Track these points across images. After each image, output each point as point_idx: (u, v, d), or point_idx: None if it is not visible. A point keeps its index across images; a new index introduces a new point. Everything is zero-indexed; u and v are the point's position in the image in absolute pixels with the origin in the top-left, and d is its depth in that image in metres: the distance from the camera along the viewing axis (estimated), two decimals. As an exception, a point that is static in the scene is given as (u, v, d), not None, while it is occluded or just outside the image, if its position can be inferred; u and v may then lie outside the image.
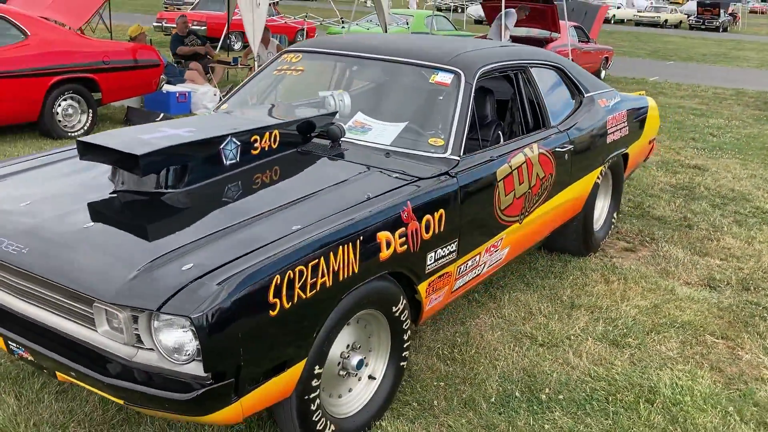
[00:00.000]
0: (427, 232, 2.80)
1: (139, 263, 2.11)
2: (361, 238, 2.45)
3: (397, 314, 2.75)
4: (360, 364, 2.65)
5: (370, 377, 2.81)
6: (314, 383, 2.41)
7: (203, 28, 17.07)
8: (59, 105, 7.36)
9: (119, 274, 2.08)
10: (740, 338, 3.72)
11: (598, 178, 4.47)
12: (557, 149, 3.86)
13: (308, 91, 3.88)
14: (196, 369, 2.01)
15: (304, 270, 2.22)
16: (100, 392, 2.16)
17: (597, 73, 16.25)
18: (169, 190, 2.64)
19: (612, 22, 43.24)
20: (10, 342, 2.33)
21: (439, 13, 18.81)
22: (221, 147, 2.78)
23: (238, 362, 2.05)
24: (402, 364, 2.88)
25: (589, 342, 3.58)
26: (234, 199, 2.67)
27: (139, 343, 2.10)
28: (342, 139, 3.26)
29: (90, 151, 2.64)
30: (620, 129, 4.65)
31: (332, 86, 3.88)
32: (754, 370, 3.43)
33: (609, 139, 4.48)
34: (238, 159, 2.85)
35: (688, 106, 12.55)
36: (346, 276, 2.39)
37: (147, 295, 2.00)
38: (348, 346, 2.65)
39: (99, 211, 2.49)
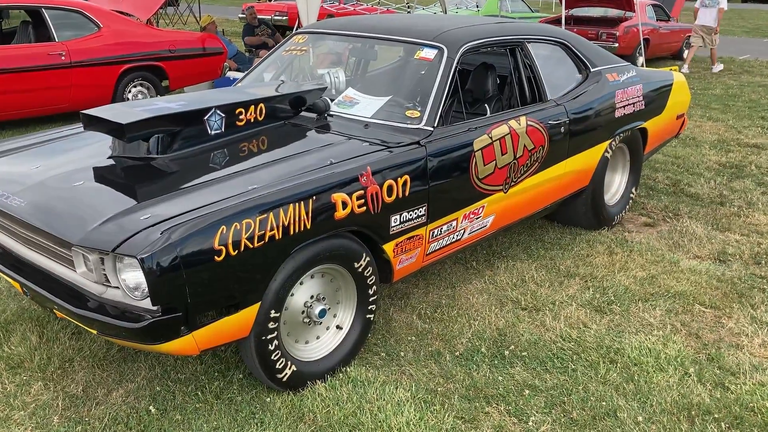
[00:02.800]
0: (389, 195, 3.03)
1: (109, 213, 2.49)
2: (314, 197, 2.72)
3: (360, 270, 3.02)
4: (322, 314, 2.93)
5: (338, 327, 3.09)
6: (271, 326, 2.72)
7: (284, 18, 17.68)
8: (129, 91, 8.01)
9: (89, 222, 2.46)
10: (730, 308, 3.74)
11: (606, 151, 4.52)
12: (550, 122, 3.98)
13: (311, 69, 4.17)
14: (148, 303, 2.35)
15: (252, 223, 2.52)
16: (79, 324, 2.55)
17: (680, 53, 15.71)
18: (158, 156, 3.01)
19: None
20: (22, 284, 2.77)
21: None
22: (206, 118, 3.12)
23: (186, 299, 2.38)
24: (369, 317, 3.14)
25: (572, 307, 3.70)
26: (213, 164, 3.01)
27: (108, 282, 2.47)
28: (331, 112, 3.54)
29: (92, 123, 3.04)
30: (633, 103, 4.68)
31: (332, 64, 4.16)
32: (734, 337, 3.46)
33: (618, 113, 4.52)
34: (223, 130, 3.19)
35: (770, 85, 11.97)
36: (296, 231, 2.67)
37: (106, 239, 2.37)
38: (312, 296, 2.94)
39: (92, 173, 2.88)
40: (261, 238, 2.56)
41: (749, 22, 27.27)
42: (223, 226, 2.45)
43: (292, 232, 2.66)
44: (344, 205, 2.84)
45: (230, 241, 2.46)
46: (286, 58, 4.22)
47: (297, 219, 2.66)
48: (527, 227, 4.79)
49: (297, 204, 2.67)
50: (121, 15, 8.31)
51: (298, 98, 3.52)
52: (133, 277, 2.38)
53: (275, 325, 2.74)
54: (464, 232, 3.60)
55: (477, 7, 15.03)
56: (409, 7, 15.22)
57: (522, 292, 3.87)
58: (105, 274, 2.45)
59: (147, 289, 2.32)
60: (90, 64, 7.50)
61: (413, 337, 3.38)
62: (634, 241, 4.64)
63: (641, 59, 12.83)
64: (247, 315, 2.62)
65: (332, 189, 2.81)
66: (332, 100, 3.61)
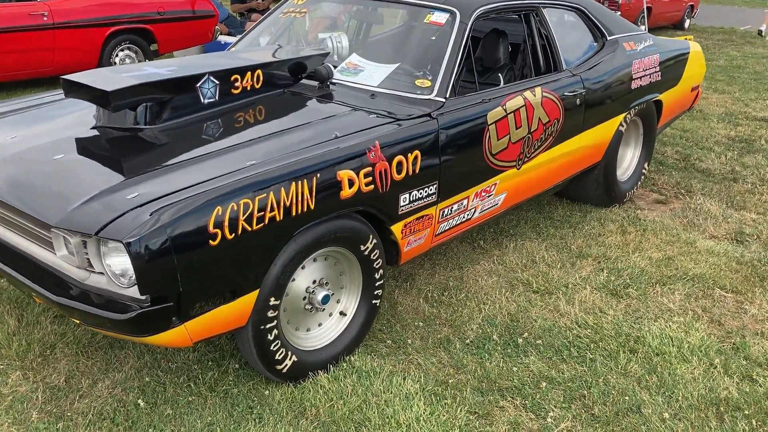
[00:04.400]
0: (399, 173, 2.80)
1: (91, 191, 2.24)
2: (318, 175, 2.48)
3: (366, 253, 2.79)
4: (326, 300, 2.71)
5: (342, 314, 2.88)
6: (270, 314, 2.50)
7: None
8: (116, 55, 7.67)
9: (70, 201, 2.21)
10: (752, 292, 3.55)
11: (621, 125, 4.29)
12: (566, 93, 3.73)
13: (311, 32, 3.89)
14: (136, 292, 2.12)
15: (250, 203, 2.28)
16: (62, 312, 2.32)
17: (681, 23, 15.42)
18: (146, 127, 2.75)
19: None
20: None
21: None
22: (198, 86, 2.85)
23: (177, 288, 2.15)
24: (375, 302, 2.92)
25: (587, 291, 3.50)
26: (206, 136, 2.75)
27: (92, 267, 2.23)
28: (333, 80, 3.28)
29: (74, 89, 2.78)
30: (650, 74, 4.43)
31: (332, 27, 3.88)
32: (757, 324, 3.27)
33: (635, 84, 4.28)
34: (217, 98, 2.93)
35: (774, 56, 11.72)
36: (299, 212, 2.43)
37: (88, 220, 2.12)
38: (315, 281, 2.72)
39: (74, 145, 2.62)
40: (260, 219, 2.32)
41: (748, -9, 26.87)
42: (219, 207, 2.21)
43: (294, 213, 2.42)
44: (351, 182, 2.60)
45: (227, 223, 2.22)
46: (284, 21, 3.93)
47: (299, 198, 2.43)
48: (535, 204, 4.57)
49: (299, 182, 2.43)
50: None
51: (298, 64, 3.26)
52: (119, 262, 2.14)
53: (275, 314, 2.52)
54: (475, 210, 3.37)
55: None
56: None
57: (533, 274, 3.66)
58: (88, 259, 2.21)
59: (134, 276, 2.08)
60: (74, 26, 7.15)
61: (420, 323, 3.17)
62: (647, 220, 4.44)
63: (643, 28, 12.53)
64: (245, 303, 2.40)
65: (338, 165, 2.56)
66: (335, 67, 3.34)
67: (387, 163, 2.74)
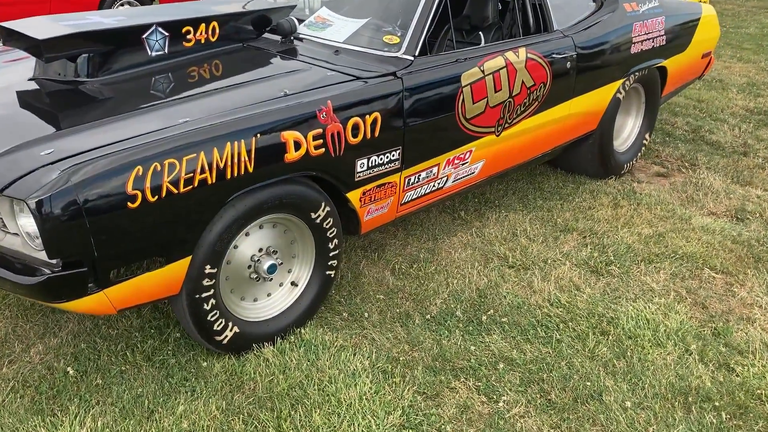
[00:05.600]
0: (354, 136, 2.61)
1: (5, 146, 2.09)
2: (258, 136, 2.31)
3: (318, 221, 2.62)
4: (272, 269, 2.56)
5: (293, 284, 2.73)
6: (206, 282, 2.35)
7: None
8: (116, 8, 7.48)
9: (-20, 157, 2.07)
10: (743, 274, 3.32)
11: (618, 92, 4.03)
12: (555, 55, 3.48)
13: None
14: (45, 255, 1.98)
15: (176, 164, 2.11)
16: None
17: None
18: (87, 80, 2.58)
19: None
20: None
21: None
22: (145, 37, 2.68)
23: (92, 252, 2.01)
24: (329, 273, 2.76)
25: (565, 267, 3.31)
26: (148, 91, 2.59)
27: (6, 227, 2.09)
28: (300, 35, 3.08)
29: (12, 38, 2.61)
30: (653, 38, 4.14)
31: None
32: (745, 308, 3.06)
33: (635, 48, 4.00)
34: (166, 51, 2.75)
35: (807, 24, 11.14)
36: (235, 174, 2.26)
37: (-6, 177, 1.98)
38: (261, 249, 2.56)
39: (6, 98, 2.47)
40: (188, 182, 2.15)
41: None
42: (139, 167, 2.04)
43: (229, 176, 2.25)
44: (297, 145, 2.42)
45: (148, 184, 2.06)
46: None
47: (236, 160, 2.25)
48: (526, 174, 4.35)
49: (236, 142, 2.25)
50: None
51: (261, 17, 3.06)
52: (30, 223, 2.00)
53: (212, 282, 2.37)
54: (447, 179, 3.17)
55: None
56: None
57: (511, 248, 3.47)
58: (1, 218, 2.07)
59: (40, 239, 1.94)
60: (71, -22, 6.98)
61: (381, 296, 3.01)
62: (643, 193, 4.19)
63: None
64: (176, 270, 2.25)
65: (282, 126, 2.38)
66: (301, 21, 3.14)
67: (341, 125, 2.55)
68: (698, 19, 4.61)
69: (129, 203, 2.04)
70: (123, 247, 2.09)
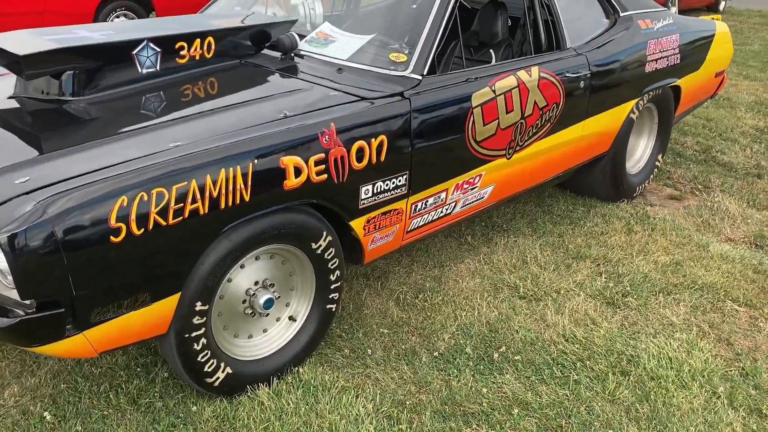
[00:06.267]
0: (359, 161, 2.42)
1: (-23, 174, 1.90)
2: (255, 161, 2.12)
3: (319, 252, 2.43)
4: (269, 304, 2.37)
5: (291, 319, 2.53)
6: (197, 320, 2.16)
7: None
8: (112, 22, 7.32)
9: (-51, 185, 1.88)
10: (768, 308, 3.14)
11: (632, 112, 3.86)
12: (569, 75, 3.31)
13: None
14: (17, 294, 1.79)
15: (165, 193, 1.93)
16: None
17: (716, 5, 14.69)
18: (71, 99, 2.40)
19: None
20: None
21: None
22: (135, 53, 2.50)
23: (70, 291, 1.82)
24: (330, 307, 2.57)
25: (580, 298, 3.12)
26: (137, 111, 2.40)
27: (-23, 262, 1.90)
28: (301, 51, 2.90)
29: (-8, 53, 2.43)
30: (667, 56, 3.98)
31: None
32: (772, 346, 2.87)
33: (649, 67, 3.84)
34: (158, 68, 2.57)
35: (816, 42, 11.04)
36: (230, 204, 2.08)
37: (-39, 208, 1.79)
38: (257, 283, 2.37)
39: (-17, 118, 2.29)
40: (178, 212, 1.97)
41: (789, -25, 25.78)
42: (124, 197, 1.86)
43: (223, 206, 2.06)
44: (297, 171, 2.24)
45: (133, 216, 1.87)
46: (259, -16, 3.55)
47: (230, 188, 2.07)
48: (534, 196, 4.17)
49: (231, 169, 2.06)
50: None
51: (260, 32, 2.88)
52: (0, 259, 1.81)
53: (202, 320, 2.17)
54: (456, 205, 2.99)
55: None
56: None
57: (521, 276, 3.28)
58: (-29, 253, 1.88)
59: (11, 277, 1.75)
60: (65, -10, 6.82)
61: (386, 330, 2.81)
62: (657, 218, 4.02)
63: (674, 9, 11.91)
64: (163, 308, 2.06)
65: (282, 150, 2.20)
66: (302, 37, 2.96)
67: (344, 149, 2.37)
68: (712, 37, 4.46)
69: (112, 237, 1.85)
70: (105, 284, 1.89)
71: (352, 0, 3.46)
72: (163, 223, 1.94)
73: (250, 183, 2.11)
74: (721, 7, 14.84)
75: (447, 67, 3.55)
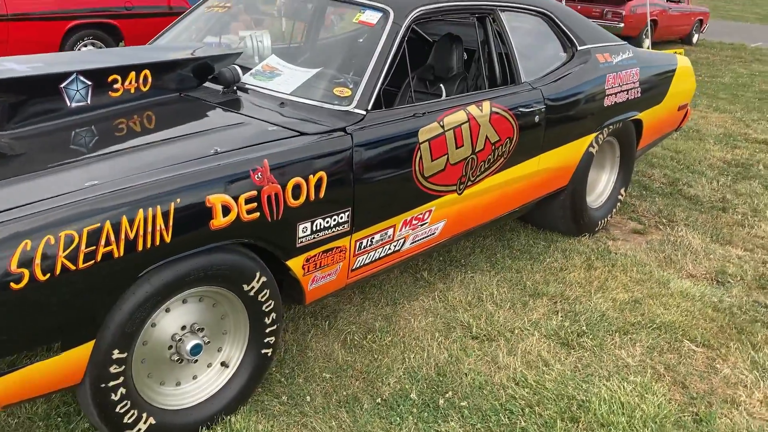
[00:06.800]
0: (296, 198, 2.33)
1: None
2: (178, 200, 2.02)
3: (252, 294, 2.32)
4: (197, 350, 2.24)
5: (223, 364, 2.41)
6: (114, 369, 2.03)
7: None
8: (79, 50, 7.24)
9: None
10: (726, 347, 3.06)
11: (591, 146, 3.81)
12: (522, 109, 3.26)
13: (235, 29, 3.42)
14: None
15: (75, 235, 1.82)
16: None
17: (689, 37, 14.89)
18: (-7, 134, 2.29)
19: (729, -17, 39.91)
20: None
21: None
22: (63, 86, 2.40)
23: (-36, 342, 1.70)
24: (265, 351, 2.45)
25: (534, 338, 3.02)
26: (59, 147, 2.29)
27: None
28: (246, 86, 2.82)
29: None
30: (627, 90, 3.95)
31: (257, 25, 3.42)
32: (729, 389, 2.78)
33: (608, 101, 3.80)
34: (89, 101, 2.47)
35: (783, 75, 11.19)
36: (149, 246, 1.97)
37: None
38: (184, 327, 2.25)
39: None
40: (90, 256, 1.85)
41: (763, 8, 26.25)
42: (27, 241, 1.74)
43: (140, 248, 1.95)
44: (226, 210, 2.13)
45: (38, 261, 1.76)
46: (211, 16, 3.48)
47: (149, 229, 1.96)
48: (495, 230, 4.09)
49: (150, 209, 1.96)
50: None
51: (201, 65, 2.80)
52: None
53: (121, 368, 2.05)
54: (405, 241, 2.90)
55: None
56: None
57: (475, 315, 3.18)
58: None
59: None
60: (30, 18, 6.72)
61: (328, 374, 2.69)
62: (619, 253, 3.95)
63: (647, 42, 12.03)
64: (76, 357, 1.94)
65: (208, 188, 2.10)
66: (246, 70, 2.88)
67: (279, 186, 2.27)
68: (674, 71, 4.45)
69: (12, 284, 1.73)
70: (5, 335, 1.77)
71: (303, 33, 3.39)
72: (73, 267, 1.82)
73: (171, 223, 2.00)
74: (695, 39, 15.06)
75: (402, 101, 3.49)
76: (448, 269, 3.63)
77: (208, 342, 2.31)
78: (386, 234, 2.78)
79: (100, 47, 7.43)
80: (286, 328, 2.96)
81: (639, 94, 4.08)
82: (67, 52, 3.01)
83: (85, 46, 7.29)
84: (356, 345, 2.90)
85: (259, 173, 2.22)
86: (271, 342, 2.45)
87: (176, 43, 3.30)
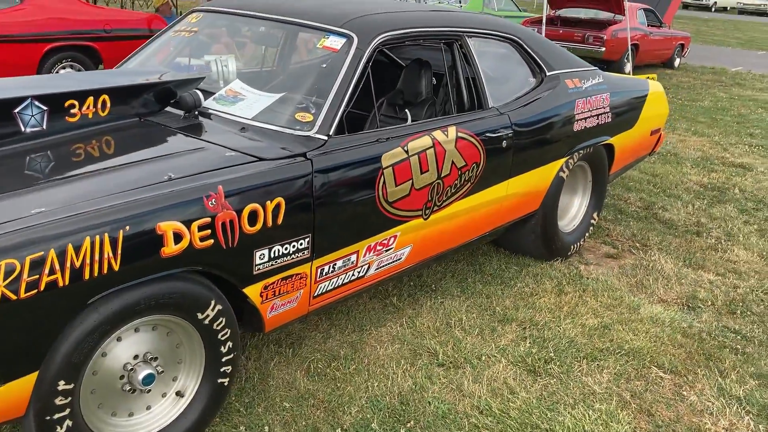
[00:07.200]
0: (252, 224, 2.30)
1: None
2: (127, 228, 1.98)
3: (207, 322, 2.28)
4: (149, 380, 2.20)
5: (179, 394, 2.36)
6: (60, 401, 1.98)
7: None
8: (57, 73, 7.21)
9: None
10: (693, 374, 3.04)
11: (562, 170, 3.81)
12: (489, 134, 3.25)
13: (201, 53, 3.41)
14: None
15: (16, 264, 1.78)
16: None
17: (670, 61, 15.07)
18: (-57, 159, 2.26)
19: (712, 9, 40.64)
20: None
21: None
22: (17, 111, 2.37)
23: None
24: (222, 381, 2.40)
25: (500, 365, 2.99)
26: (8, 174, 2.25)
27: None
28: (208, 110, 2.80)
29: None
30: (597, 115, 3.96)
31: (224, 50, 3.41)
32: (695, 416, 2.75)
33: (578, 126, 3.81)
34: (44, 126, 2.44)
35: (762, 100, 11.33)
36: (96, 274, 1.93)
37: None
38: (137, 356, 2.20)
39: None
40: (32, 285, 1.81)
41: (744, 33, 26.70)
42: (-34, 270, 1.70)
43: (87, 276, 1.92)
44: (177, 237, 2.10)
45: (-24, 291, 1.72)
46: (178, 40, 3.47)
47: (96, 258, 1.92)
48: (467, 254, 4.07)
49: (97, 237, 1.92)
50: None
51: (162, 90, 2.78)
52: None
53: (67, 400, 2.00)
54: (369, 267, 2.87)
55: (460, 3, 14.24)
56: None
57: (443, 342, 3.14)
58: None
59: None
60: (7, 40, 6.69)
61: (288, 404, 2.65)
62: (590, 278, 3.93)
63: (629, 66, 12.16)
64: (17, 389, 1.89)
65: (159, 215, 2.07)
66: (209, 94, 2.86)
67: (234, 213, 2.24)
68: (645, 96, 4.47)
69: (-51, 314, 1.69)
70: (-59, 366, 1.73)
71: (271, 57, 3.39)
72: (14, 297, 1.78)
73: (120, 251, 1.97)
74: (676, 63, 15.24)
75: (372, 127, 3.48)
76: (418, 294, 3.60)
77: (162, 371, 2.26)
78: (349, 260, 2.75)
79: (79, 70, 7.42)
80: (248, 356, 2.91)
81: (610, 119, 4.09)
82: (26, 76, 2.99)
83: (64, 68, 7.25)
84: (320, 373, 2.86)
85: (213, 199, 2.20)
86: (228, 371, 2.41)
87: (142, 67, 3.28)
